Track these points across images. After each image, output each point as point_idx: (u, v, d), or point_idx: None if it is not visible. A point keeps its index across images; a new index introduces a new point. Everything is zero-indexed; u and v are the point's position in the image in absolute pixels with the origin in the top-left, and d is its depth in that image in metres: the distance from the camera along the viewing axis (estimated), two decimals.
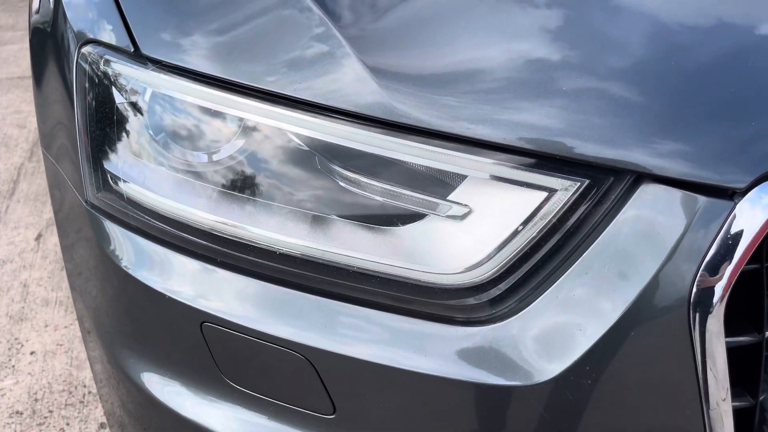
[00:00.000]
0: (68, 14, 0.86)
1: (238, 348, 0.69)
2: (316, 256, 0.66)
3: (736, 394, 0.64)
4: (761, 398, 0.63)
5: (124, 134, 0.75)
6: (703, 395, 0.61)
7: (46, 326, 1.86)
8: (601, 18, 0.69)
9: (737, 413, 0.66)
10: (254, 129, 0.68)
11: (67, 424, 1.62)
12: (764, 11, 0.68)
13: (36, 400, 1.66)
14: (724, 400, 0.61)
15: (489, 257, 0.62)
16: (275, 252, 0.67)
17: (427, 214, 0.64)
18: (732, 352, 0.62)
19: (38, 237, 2.20)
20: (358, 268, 0.65)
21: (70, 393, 1.68)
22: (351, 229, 0.66)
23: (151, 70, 0.73)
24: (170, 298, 0.71)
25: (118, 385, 0.85)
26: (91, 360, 1.02)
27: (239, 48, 0.69)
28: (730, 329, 0.62)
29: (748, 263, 0.60)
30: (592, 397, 0.61)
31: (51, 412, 1.65)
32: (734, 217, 0.57)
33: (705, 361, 0.60)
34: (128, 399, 0.85)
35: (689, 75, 0.62)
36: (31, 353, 1.79)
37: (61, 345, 1.80)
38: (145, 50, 0.73)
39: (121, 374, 0.82)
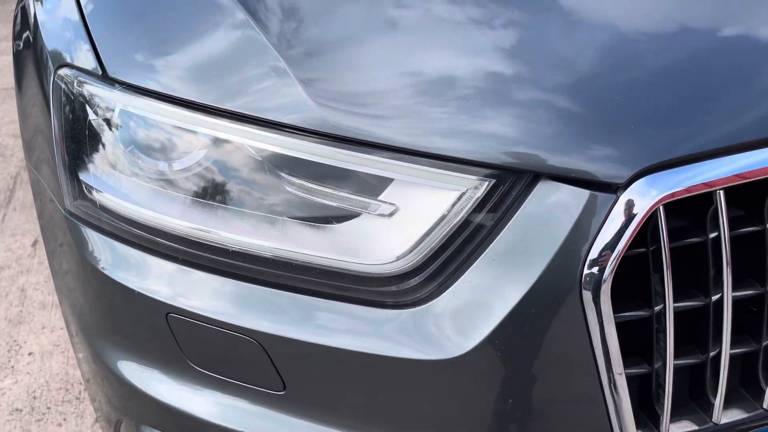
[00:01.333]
0: (44, 38, 0.95)
1: (199, 335, 0.78)
2: (266, 253, 0.75)
3: (635, 362, 0.73)
4: (656, 366, 0.72)
5: (96, 147, 0.84)
6: (599, 367, 0.70)
7: (43, 328, 1.95)
8: (514, 32, 0.78)
9: (640, 380, 0.75)
10: (209, 142, 0.77)
11: (64, 419, 1.71)
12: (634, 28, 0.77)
13: (34, 398, 1.75)
14: (619, 372, 0.70)
15: (412, 249, 0.71)
16: (228, 249, 0.76)
17: (360, 213, 0.73)
18: (630, 325, 0.71)
19: (34, 243, 2.29)
20: (301, 261, 0.74)
21: (67, 390, 1.77)
22: (296, 227, 0.75)
23: (118, 90, 0.82)
24: (140, 294, 0.80)
25: (103, 381, 0.94)
26: (78, 361, 1.11)
27: (191, 69, 0.78)
28: (625, 306, 0.71)
29: (635, 247, 0.69)
30: (502, 368, 0.70)
31: (49, 408, 1.75)
32: (617, 208, 0.67)
33: (603, 335, 0.69)
34: (112, 392, 0.94)
35: (577, 86, 0.70)
36: (29, 354, 1.88)
37: (57, 345, 1.89)
38: (111, 73, 0.83)
39: (103, 368, 0.91)
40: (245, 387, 0.78)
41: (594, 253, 0.66)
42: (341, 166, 0.73)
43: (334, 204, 0.74)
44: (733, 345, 0.74)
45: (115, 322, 0.87)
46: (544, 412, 0.73)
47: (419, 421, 0.74)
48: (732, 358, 0.74)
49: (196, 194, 0.77)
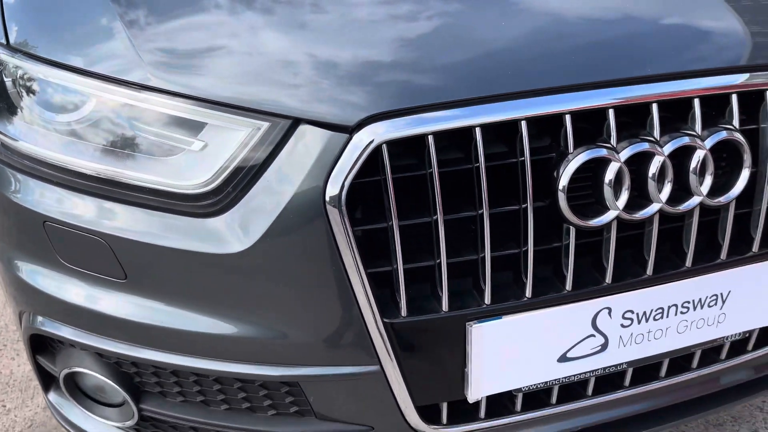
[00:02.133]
0: None
1: (66, 238, 1.04)
2: (113, 177, 1.01)
3: (380, 264, 0.98)
4: (394, 266, 0.97)
5: (5, 102, 1.10)
6: (345, 265, 0.95)
7: None
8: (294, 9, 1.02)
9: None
10: (84, 96, 1.02)
11: (18, 354, 2.00)
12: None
13: None
14: (361, 282, 0.96)
15: (214, 175, 0.97)
16: (86, 174, 1.01)
17: (187, 149, 0.99)
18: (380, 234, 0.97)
19: None
20: (139, 183, 1.00)
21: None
22: (135, 158, 1.00)
23: (17, 57, 1.07)
24: (24, 207, 1.06)
25: (9, 281, 1.20)
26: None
27: (63, 41, 1.04)
28: (367, 221, 0.96)
29: (369, 176, 0.93)
30: (274, 262, 0.96)
31: (5, 345, 2.03)
32: (349, 146, 0.92)
33: (348, 241, 0.94)
34: (14, 288, 1.19)
35: (330, 51, 0.95)
36: None
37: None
38: (13, 43, 1.08)
39: (9, 270, 1.17)
40: (100, 277, 1.04)
41: (331, 179, 0.92)
42: (168, 113, 0.98)
43: (165, 141, 0.99)
44: (452, 255, 0.99)
45: (11, 231, 1.13)
46: (308, 299, 0.99)
47: (221, 299, 1.01)
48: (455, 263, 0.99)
49: (70, 133, 1.03)
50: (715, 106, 1.09)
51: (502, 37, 1.02)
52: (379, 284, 1.01)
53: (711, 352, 1.27)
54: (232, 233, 0.97)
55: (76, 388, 1.19)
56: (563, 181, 0.99)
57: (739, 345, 1.29)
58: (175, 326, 1.03)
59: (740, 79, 1.07)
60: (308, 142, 0.94)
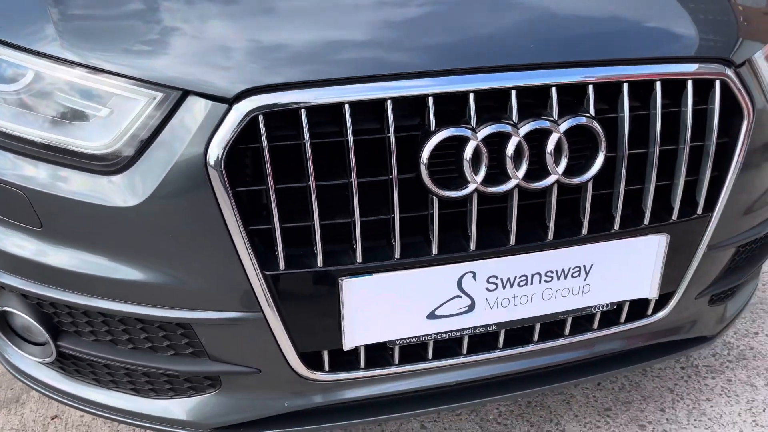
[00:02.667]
0: None
1: None
2: (34, 139, 1.14)
3: (261, 223, 1.12)
4: (272, 225, 1.10)
5: None
6: (226, 221, 1.09)
7: None
8: None
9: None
10: (12, 66, 1.15)
11: None
12: None
13: None
14: (241, 237, 1.09)
15: (116, 138, 1.10)
16: (10, 134, 1.15)
17: (95, 115, 1.12)
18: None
19: None
20: (55, 144, 1.13)
21: None
22: (53, 122, 1.14)
23: None
24: None
25: None
26: None
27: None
28: (248, 183, 1.09)
29: (251, 143, 1.07)
30: (166, 216, 1.10)
31: None
32: (229, 115, 1.05)
33: (228, 200, 1.07)
34: None
35: (229, 30, 1.09)
36: None
37: None
38: None
39: None
40: (20, 225, 1.18)
41: (213, 145, 1.06)
42: (80, 83, 1.12)
43: (79, 108, 1.12)
44: (328, 218, 1.13)
45: None
46: (195, 251, 1.12)
47: (121, 247, 1.15)
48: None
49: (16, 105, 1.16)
50: (577, 95, 1.21)
51: (374, 24, 1.15)
52: (265, 240, 1.14)
53: (583, 320, 1.39)
54: (129, 190, 1.11)
55: (7, 327, 1.33)
56: (425, 155, 1.11)
57: (613, 315, 1.42)
58: (83, 270, 1.17)
59: (597, 72, 1.19)
60: (195, 112, 1.07)
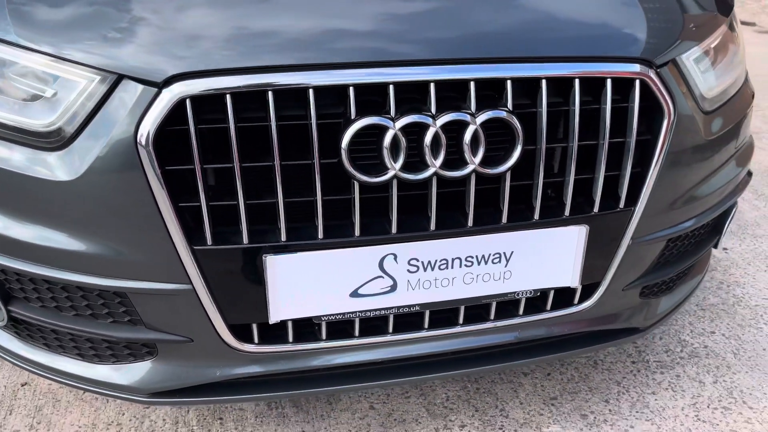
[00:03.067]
0: None
1: None
2: None
3: (189, 200, 1.20)
4: (199, 202, 1.18)
5: None
6: (155, 197, 1.17)
7: None
8: None
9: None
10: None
11: None
12: None
13: None
14: (170, 213, 1.18)
15: (57, 117, 1.20)
16: None
17: (41, 95, 1.21)
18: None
19: None
20: (6, 120, 1.23)
21: None
22: (8, 103, 1.23)
23: None
24: None
25: None
26: None
27: None
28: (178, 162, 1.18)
29: (178, 125, 1.15)
30: (102, 188, 1.19)
31: None
32: (159, 98, 1.13)
33: (156, 178, 1.16)
34: None
35: (154, 18, 1.17)
36: None
37: None
38: None
39: None
40: None
41: (142, 126, 1.15)
42: (31, 66, 1.21)
43: (29, 90, 1.22)
44: (253, 198, 1.21)
45: None
46: (128, 224, 1.21)
47: (61, 218, 1.24)
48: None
49: None
50: (499, 90, 1.27)
51: (300, 15, 1.23)
52: (196, 217, 1.22)
53: (509, 306, 1.46)
54: (68, 165, 1.20)
55: None
56: (345, 142, 1.18)
57: (539, 303, 1.48)
58: (29, 240, 1.26)
59: (514, 69, 1.26)
60: (128, 94, 1.16)
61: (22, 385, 1.94)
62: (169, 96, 1.13)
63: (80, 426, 1.80)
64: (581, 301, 1.50)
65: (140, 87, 1.15)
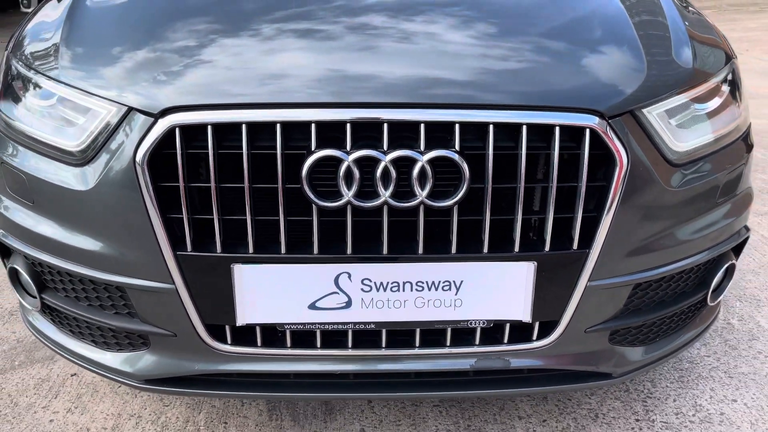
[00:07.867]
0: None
1: (8, 173, 1.59)
2: (40, 138, 1.55)
3: (175, 212, 1.42)
4: (182, 215, 1.40)
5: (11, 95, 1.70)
6: (148, 210, 1.40)
7: None
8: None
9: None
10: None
11: None
12: None
13: None
14: (159, 222, 1.41)
15: (83, 140, 1.47)
16: (22, 132, 1.57)
17: (77, 123, 1.50)
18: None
19: None
20: (39, 139, 1.53)
21: None
22: (56, 128, 1.53)
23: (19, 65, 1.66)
24: None
25: None
26: None
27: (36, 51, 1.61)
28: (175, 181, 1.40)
29: (170, 149, 1.38)
30: (112, 199, 1.43)
31: None
32: (155, 127, 1.37)
33: (149, 194, 1.39)
34: None
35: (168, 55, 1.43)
36: None
37: None
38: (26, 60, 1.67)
39: None
40: (22, 201, 1.58)
41: (140, 148, 1.40)
42: (69, 98, 1.51)
43: (65, 116, 1.52)
44: (227, 214, 1.42)
45: None
46: (127, 229, 1.44)
47: (81, 221, 1.51)
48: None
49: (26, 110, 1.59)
50: (451, 132, 1.41)
51: (275, 60, 1.46)
52: (182, 227, 1.45)
53: (464, 334, 1.54)
54: (83, 178, 1.48)
55: (17, 281, 1.73)
56: (305, 170, 1.37)
57: (497, 334, 1.55)
58: (57, 238, 1.54)
59: (462, 114, 1.39)
60: (134, 122, 1.42)
61: (71, 375, 2.24)
62: (162, 125, 1.39)
63: (108, 414, 2.06)
64: (540, 337, 1.56)
65: (142, 117, 1.41)
